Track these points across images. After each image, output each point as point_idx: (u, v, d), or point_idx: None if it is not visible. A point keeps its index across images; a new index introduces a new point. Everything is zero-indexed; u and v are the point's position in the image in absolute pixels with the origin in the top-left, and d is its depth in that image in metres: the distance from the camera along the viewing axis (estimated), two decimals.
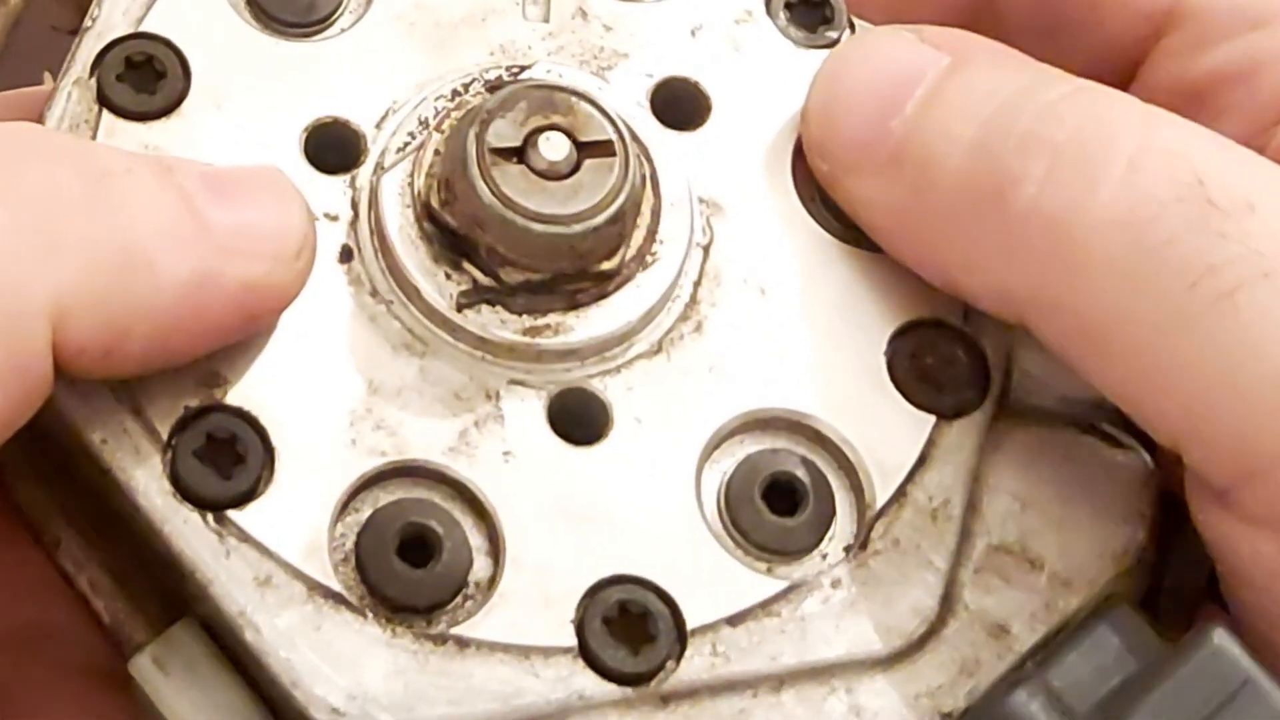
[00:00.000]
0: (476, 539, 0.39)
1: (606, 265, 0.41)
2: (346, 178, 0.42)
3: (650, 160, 0.42)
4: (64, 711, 0.42)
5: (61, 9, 0.47)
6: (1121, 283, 0.38)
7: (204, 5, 0.43)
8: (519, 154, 0.40)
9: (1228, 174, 0.38)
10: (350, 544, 0.39)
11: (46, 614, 0.42)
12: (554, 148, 0.40)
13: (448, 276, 0.41)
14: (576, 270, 0.40)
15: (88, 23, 0.42)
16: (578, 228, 0.40)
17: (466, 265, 0.41)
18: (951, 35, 0.42)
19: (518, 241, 0.40)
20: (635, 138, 0.42)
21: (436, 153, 0.41)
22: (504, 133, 0.40)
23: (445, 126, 0.41)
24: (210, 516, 0.38)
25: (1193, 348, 0.37)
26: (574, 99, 0.41)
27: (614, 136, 0.40)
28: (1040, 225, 0.39)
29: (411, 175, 0.41)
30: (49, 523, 0.41)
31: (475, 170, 0.40)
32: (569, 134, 0.40)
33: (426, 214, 0.41)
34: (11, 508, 0.41)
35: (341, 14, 0.44)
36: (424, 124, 0.42)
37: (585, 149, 0.40)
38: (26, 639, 0.42)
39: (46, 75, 0.46)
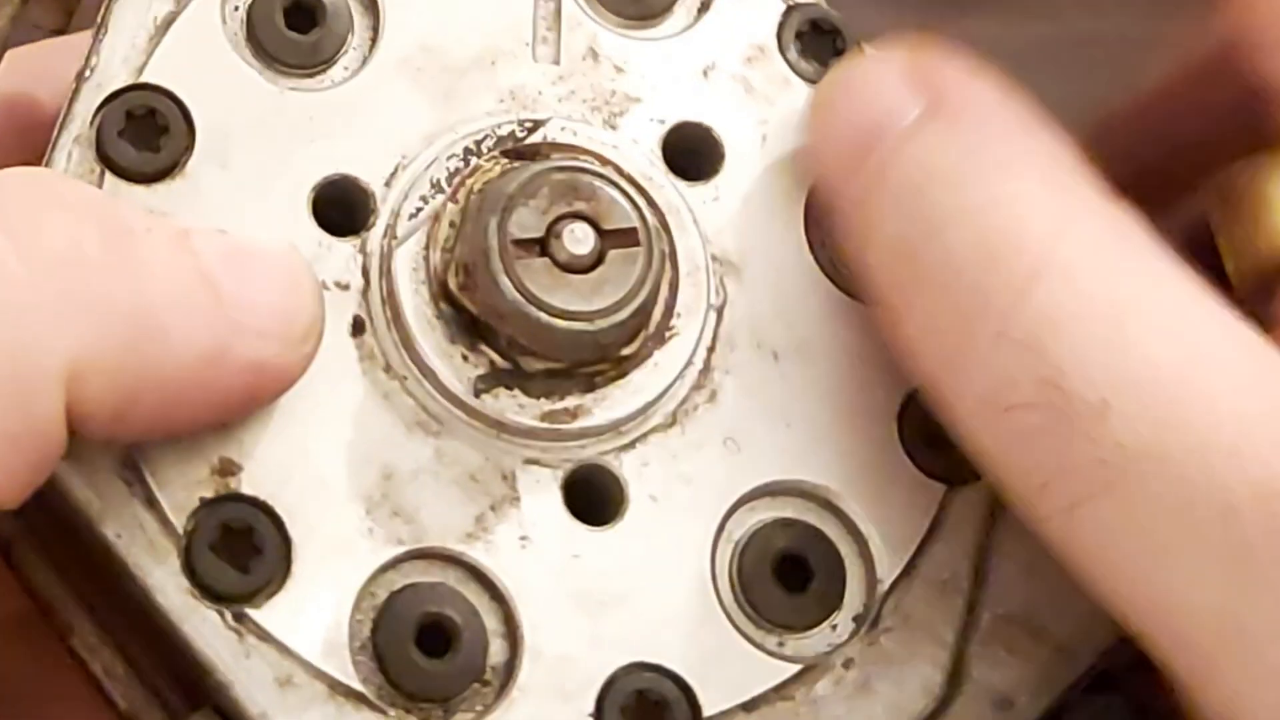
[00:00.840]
0: (492, 622, 0.40)
1: (627, 350, 0.40)
2: (356, 241, 0.41)
3: (668, 231, 0.41)
4: (74, 696, 0.42)
5: (43, 8, 0.45)
6: (989, 457, 0.38)
7: (206, 48, 0.41)
8: (541, 244, 0.39)
9: (1089, 365, 0.36)
10: (367, 631, 0.39)
11: None
12: (578, 240, 0.39)
13: (464, 358, 0.40)
14: (597, 358, 0.40)
15: (85, 71, 0.41)
16: (602, 323, 0.39)
17: (484, 348, 0.40)
18: (938, 71, 0.40)
19: (540, 335, 0.39)
20: (655, 207, 0.41)
21: (452, 225, 0.40)
22: (526, 223, 0.39)
23: (460, 195, 0.40)
24: (229, 615, 0.38)
25: (1049, 545, 0.37)
26: (597, 184, 0.40)
27: (638, 224, 0.40)
28: (917, 363, 0.39)
29: (426, 249, 0.40)
30: (60, 605, 0.40)
31: (498, 264, 0.39)
32: (592, 222, 0.39)
33: (444, 295, 0.40)
34: (22, 587, 0.40)
35: (345, 53, 0.42)
36: (436, 186, 0.41)
37: (609, 236, 0.39)
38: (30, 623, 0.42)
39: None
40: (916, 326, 0.38)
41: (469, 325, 0.40)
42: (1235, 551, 0.34)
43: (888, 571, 0.41)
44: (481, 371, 0.40)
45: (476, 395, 0.40)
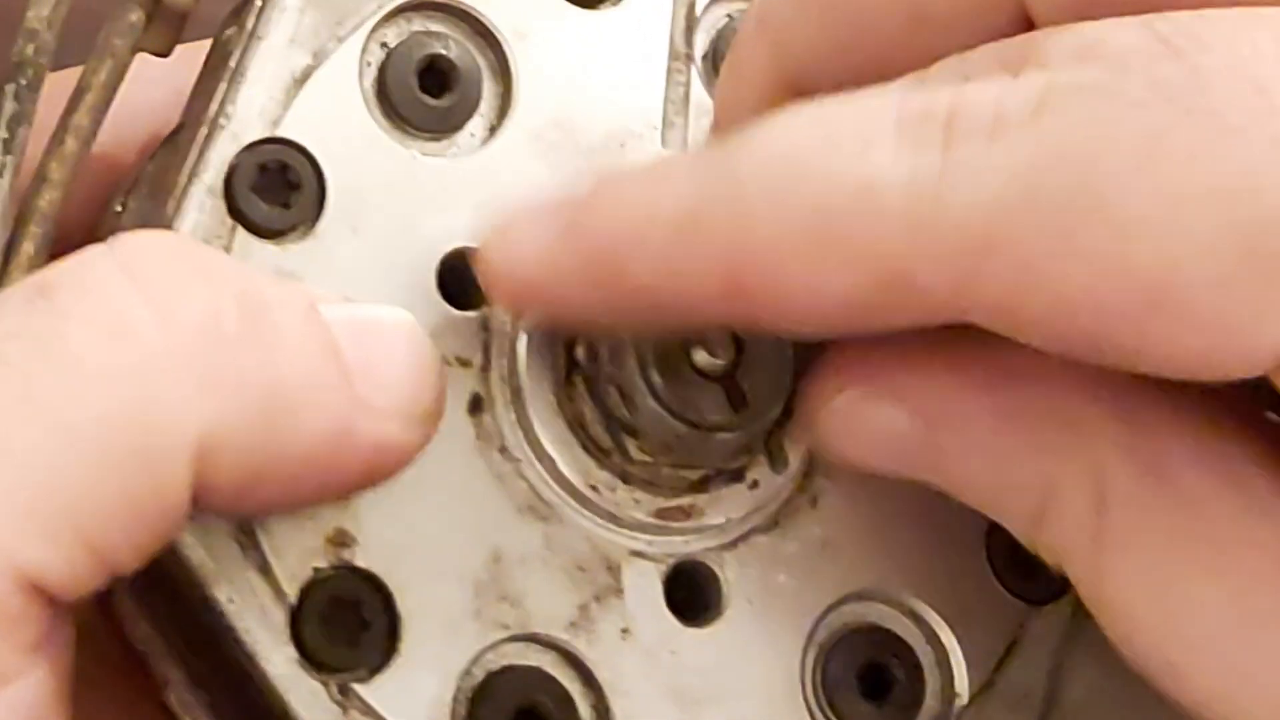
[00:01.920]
0: (585, 710, 0.40)
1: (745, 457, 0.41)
2: (480, 317, 0.41)
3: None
4: None
5: (151, 34, 0.44)
6: None
7: (340, 107, 0.41)
8: (683, 346, 0.39)
9: None
10: (463, 712, 0.39)
11: None
12: (716, 348, 0.39)
13: (584, 448, 0.40)
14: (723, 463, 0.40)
15: (220, 119, 0.40)
16: (736, 432, 0.39)
17: (605, 438, 0.40)
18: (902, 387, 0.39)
19: (669, 441, 0.39)
20: None
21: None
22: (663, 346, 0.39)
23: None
24: (334, 687, 0.38)
25: None
26: None
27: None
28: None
29: (554, 336, 0.40)
30: (158, 661, 0.40)
31: (633, 362, 0.39)
32: (741, 342, 0.40)
33: (569, 377, 0.40)
34: (119, 640, 0.40)
35: (474, 119, 0.42)
36: None
37: (748, 344, 0.40)
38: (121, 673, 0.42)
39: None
40: None
41: (598, 421, 0.40)
42: None
43: (966, 685, 0.42)
44: (598, 464, 0.40)
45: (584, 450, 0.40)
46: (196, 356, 0.35)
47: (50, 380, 0.34)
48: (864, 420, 0.38)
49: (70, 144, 0.41)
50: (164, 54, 0.45)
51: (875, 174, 0.33)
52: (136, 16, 0.42)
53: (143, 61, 0.46)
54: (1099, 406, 0.36)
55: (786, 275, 0.34)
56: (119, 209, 0.43)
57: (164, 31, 0.44)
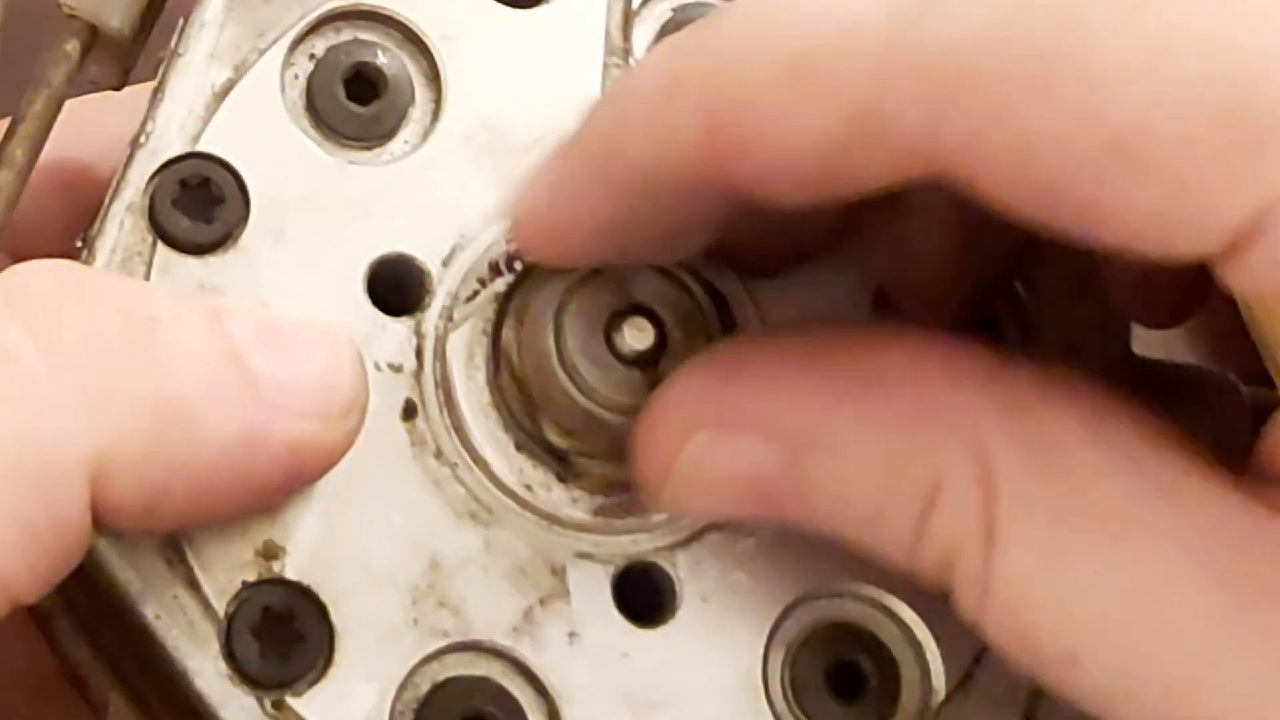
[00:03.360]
0: (536, 718, 0.39)
1: None
2: (411, 322, 0.40)
3: (733, 321, 0.40)
4: None
5: (101, 66, 0.44)
6: None
7: (264, 118, 0.41)
8: (605, 333, 0.38)
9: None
10: None
11: None
12: (639, 333, 0.38)
13: (518, 448, 0.39)
14: None
15: (140, 137, 0.40)
16: None
17: (538, 437, 0.39)
18: (751, 417, 0.37)
19: (593, 429, 0.38)
20: (718, 295, 0.40)
21: (510, 312, 0.39)
22: (589, 308, 0.38)
23: (518, 282, 0.40)
24: (268, 702, 0.37)
25: None
26: (662, 273, 0.39)
27: (697, 310, 0.39)
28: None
29: (483, 333, 0.39)
30: (96, 681, 0.39)
31: (554, 350, 0.38)
32: (654, 314, 0.38)
33: (500, 376, 0.39)
34: (59, 662, 0.39)
35: (405, 126, 0.42)
36: (494, 269, 0.40)
37: (674, 328, 0.39)
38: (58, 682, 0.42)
39: None
40: None
41: (524, 412, 0.39)
42: None
43: (943, 681, 0.40)
44: (533, 462, 0.39)
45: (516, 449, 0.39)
46: (80, 378, 0.35)
47: None
48: (720, 464, 0.36)
49: (4, 175, 0.41)
50: (116, 87, 0.45)
51: (855, 10, 0.32)
52: (72, 46, 0.42)
53: (131, 94, 0.46)
54: (978, 394, 0.34)
55: (762, 115, 0.33)
56: (80, 244, 0.43)
57: (109, 63, 0.44)
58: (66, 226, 0.44)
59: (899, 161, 0.32)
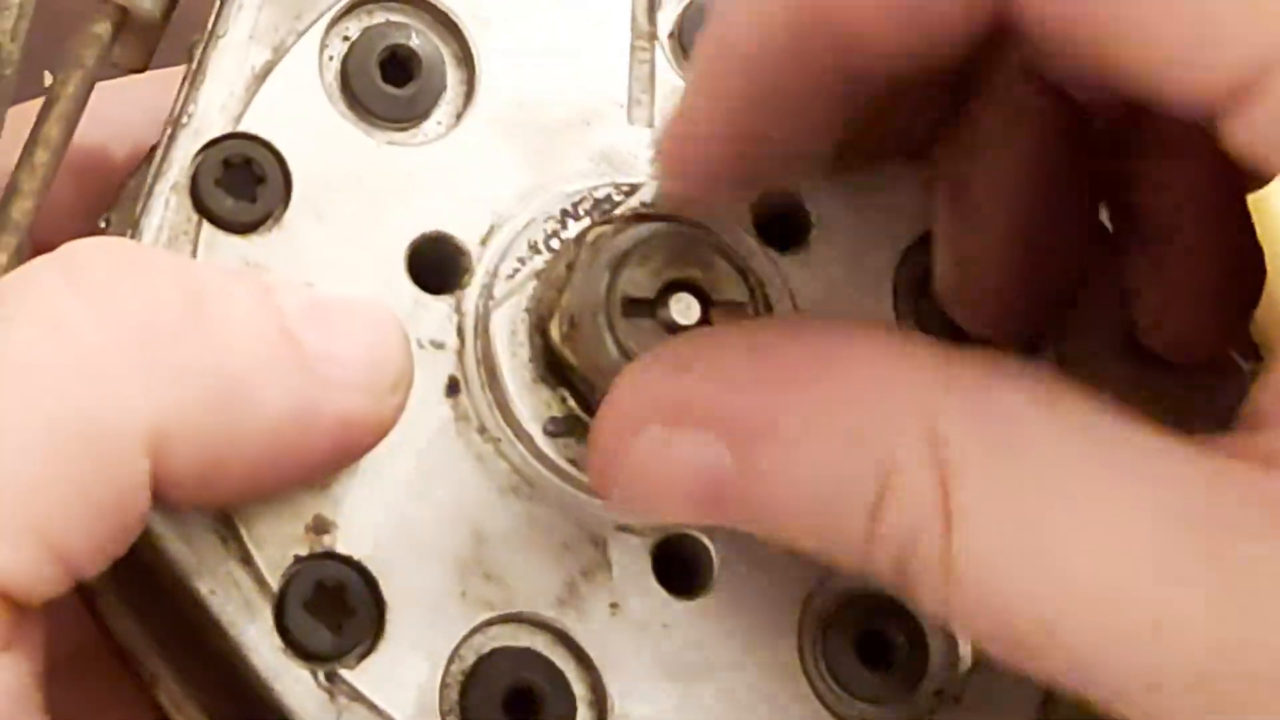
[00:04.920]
0: (580, 689, 0.39)
1: None
2: (452, 300, 0.41)
3: (767, 301, 0.41)
4: None
5: (125, 48, 0.44)
6: None
7: (302, 100, 0.41)
8: (652, 305, 0.39)
9: None
10: (455, 695, 0.39)
11: None
12: (684, 309, 0.39)
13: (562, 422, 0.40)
14: None
15: (183, 118, 0.40)
16: None
17: (573, 403, 0.40)
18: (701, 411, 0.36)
19: None
20: (755, 276, 0.40)
21: (554, 286, 0.40)
22: (639, 281, 0.39)
23: (562, 259, 0.40)
24: (321, 674, 0.38)
25: None
26: (712, 252, 0.39)
27: (747, 299, 0.39)
28: None
29: (526, 310, 0.40)
30: (145, 657, 0.40)
31: (604, 319, 0.38)
32: (702, 290, 0.39)
33: (545, 349, 0.40)
34: (106, 638, 0.40)
35: (440, 107, 0.42)
36: (534, 248, 0.41)
37: (718, 306, 0.39)
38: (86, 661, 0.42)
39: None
40: None
41: (567, 385, 0.40)
42: None
43: (969, 650, 0.41)
44: (568, 428, 0.40)
45: (544, 434, 0.40)
46: (138, 350, 0.35)
47: None
48: (670, 459, 0.36)
49: (41, 155, 0.41)
50: (139, 68, 0.45)
51: None
52: (103, 28, 0.43)
53: (132, 81, 0.46)
54: (929, 380, 0.34)
55: None
56: (103, 224, 0.43)
57: (135, 44, 0.44)
58: (77, 209, 0.44)
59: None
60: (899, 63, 0.34)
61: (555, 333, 0.40)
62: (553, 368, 0.40)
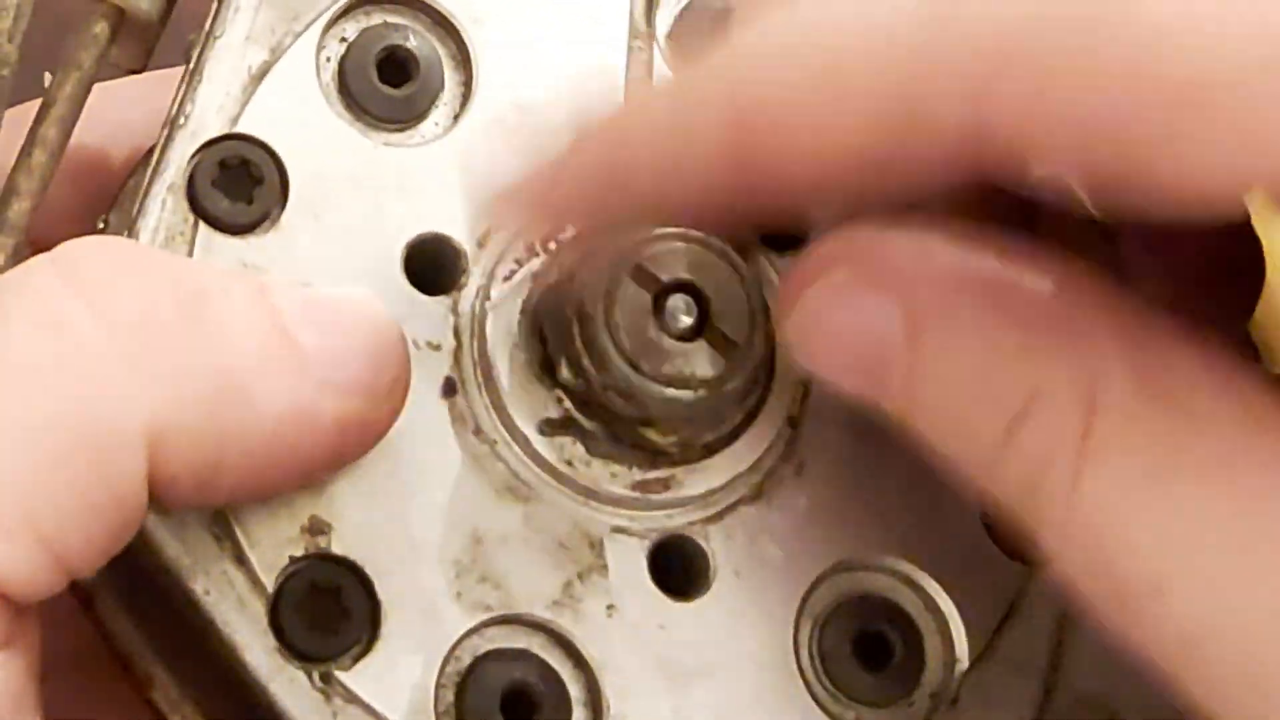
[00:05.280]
0: (576, 690, 0.39)
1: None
2: (448, 301, 0.41)
3: (766, 307, 0.41)
4: None
5: (124, 48, 0.44)
6: None
7: (299, 101, 0.41)
8: (653, 306, 0.39)
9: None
10: (451, 697, 0.39)
11: None
12: (682, 313, 0.39)
13: (558, 423, 0.40)
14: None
15: (180, 119, 0.40)
16: (703, 394, 0.39)
17: (569, 404, 0.40)
18: (894, 274, 0.36)
19: (639, 400, 0.39)
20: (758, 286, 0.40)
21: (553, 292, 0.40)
22: (637, 284, 0.39)
23: (559, 259, 0.40)
24: (316, 675, 0.38)
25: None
26: (711, 255, 0.39)
27: (747, 301, 0.39)
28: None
29: (522, 311, 0.40)
30: (140, 657, 0.40)
31: (602, 321, 0.38)
32: (701, 292, 0.39)
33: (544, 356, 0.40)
34: (101, 638, 0.40)
35: (437, 108, 0.42)
36: (530, 249, 0.41)
37: (718, 311, 0.39)
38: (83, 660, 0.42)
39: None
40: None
41: (567, 393, 0.40)
42: None
43: (967, 651, 0.41)
44: (564, 429, 0.40)
45: (539, 434, 0.40)
46: (136, 349, 0.35)
47: None
48: (847, 311, 0.35)
49: (38, 156, 0.41)
50: (137, 70, 0.45)
51: (886, 7, 0.32)
52: (101, 29, 0.43)
53: (129, 81, 0.46)
54: (1100, 320, 0.34)
55: (793, 117, 0.32)
56: (101, 225, 0.43)
57: (132, 45, 0.44)
58: (74, 210, 0.44)
59: (942, 159, 0.32)
60: (843, 209, 0.34)
61: (566, 372, 0.40)
62: (549, 370, 0.40)
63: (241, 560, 0.38)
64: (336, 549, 0.39)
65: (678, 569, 0.40)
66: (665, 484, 0.40)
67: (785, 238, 0.42)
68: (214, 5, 0.41)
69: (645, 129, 0.35)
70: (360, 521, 0.39)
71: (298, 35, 0.41)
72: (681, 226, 0.39)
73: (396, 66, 0.42)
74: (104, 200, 0.44)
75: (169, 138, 0.40)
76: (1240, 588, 0.31)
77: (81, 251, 0.36)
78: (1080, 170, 0.31)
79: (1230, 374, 0.33)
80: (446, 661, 0.39)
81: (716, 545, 0.41)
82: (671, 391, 0.39)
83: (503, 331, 0.40)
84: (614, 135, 0.36)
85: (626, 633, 0.39)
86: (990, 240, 0.35)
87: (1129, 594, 0.32)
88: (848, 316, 0.35)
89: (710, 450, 0.40)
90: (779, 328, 0.37)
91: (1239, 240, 0.40)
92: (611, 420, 0.39)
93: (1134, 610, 0.32)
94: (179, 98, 0.41)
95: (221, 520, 0.38)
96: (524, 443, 0.40)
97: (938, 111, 0.31)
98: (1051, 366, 0.33)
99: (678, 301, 0.39)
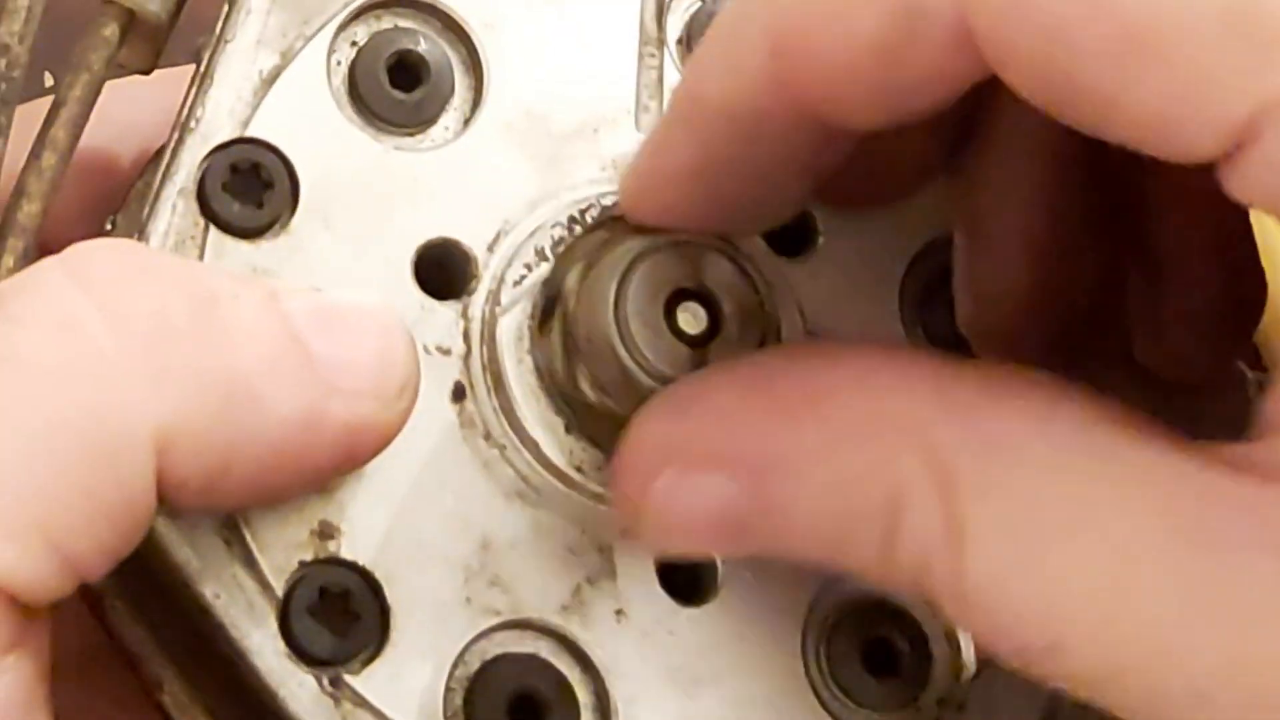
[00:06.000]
0: (585, 695, 0.39)
1: None
2: (458, 306, 0.41)
3: (774, 310, 0.41)
4: None
5: (132, 49, 0.44)
6: None
7: (310, 105, 0.41)
8: (665, 312, 0.39)
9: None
10: (459, 701, 0.39)
11: None
12: (692, 318, 0.39)
13: (567, 430, 0.40)
14: None
15: (190, 123, 0.40)
16: None
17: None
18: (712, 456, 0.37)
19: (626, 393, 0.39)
20: (764, 281, 0.40)
21: (578, 257, 0.40)
22: (646, 292, 0.39)
23: (570, 264, 0.40)
24: (325, 680, 0.38)
25: None
26: (720, 259, 0.39)
27: (756, 305, 0.39)
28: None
29: (532, 316, 0.40)
30: (149, 661, 0.40)
31: (614, 333, 0.38)
32: (711, 297, 0.39)
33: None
34: (111, 642, 0.40)
35: (448, 112, 0.42)
36: (540, 254, 0.41)
37: (727, 314, 0.39)
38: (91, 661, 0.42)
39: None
40: None
41: (562, 360, 0.40)
42: None
43: (973, 657, 0.41)
44: (584, 443, 0.40)
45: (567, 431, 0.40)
46: (147, 353, 0.35)
47: (4, 386, 0.34)
48: (688, 502, 0.36)
49: (48, 158, 0.41)
50: (146, 71, 0.45)
51: None
52: (110, 31, 0.43)
53: (138, 82, 0.46)
54: (927, 400, 0.34)
55: (816, 25, 0.34)
56: (110, 226, 0.43)
57: (142, 47, 0.44)
58: (83, 211, 0.44)
59: (943, 59, 0.33)
60: (880, 117, 0.35)
61: (586, 386, 0.40)
62: (559, 375, 0.40)
63: (251, 564, 0.38)
64: (346, 553, 0.39)
65: (686, 574, 0.40)
66: None
67: (786, 238, 0.42)
68: (225, 8, 0.41)
69: (706, 67, 0.36)
70: (370, 526, 0.39)
71: (309, 39, 0.41)
72: (693, 227, 0.39)
73: (407, 71, 0.42)
74: (111, 201, 0.44)
75: (179, 141, 0.40)
76: (1124, 628, 0.32)
77: (92, 254, 0.36)
78: (1045, 85, 0.32)
79: (1062, 412, 0.34)
80: (455, 666, 0.39)
81: None
82: (632, 366, 0.39)
83: (513, 336, 0.40)
84: (683, 89, 0.38)
85: (635, 638, 0.40)
86: (777, 363, 0.37)
87: (1030, 652, 0.33)
88: (692, 505, 0.36)
89: None
90: (623, 519, 0.39)
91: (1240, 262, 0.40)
92: (621, 425, 0.39)
93: (1039, 664, 0.34)
94: (189, 101, 0.41)
95: (231, 524, 0.38)
96: (533, 448, 0.40)
97: (934, 10, 0.32)
98: (901, 463, 0.34)
99: (689, 307, 0.39)
